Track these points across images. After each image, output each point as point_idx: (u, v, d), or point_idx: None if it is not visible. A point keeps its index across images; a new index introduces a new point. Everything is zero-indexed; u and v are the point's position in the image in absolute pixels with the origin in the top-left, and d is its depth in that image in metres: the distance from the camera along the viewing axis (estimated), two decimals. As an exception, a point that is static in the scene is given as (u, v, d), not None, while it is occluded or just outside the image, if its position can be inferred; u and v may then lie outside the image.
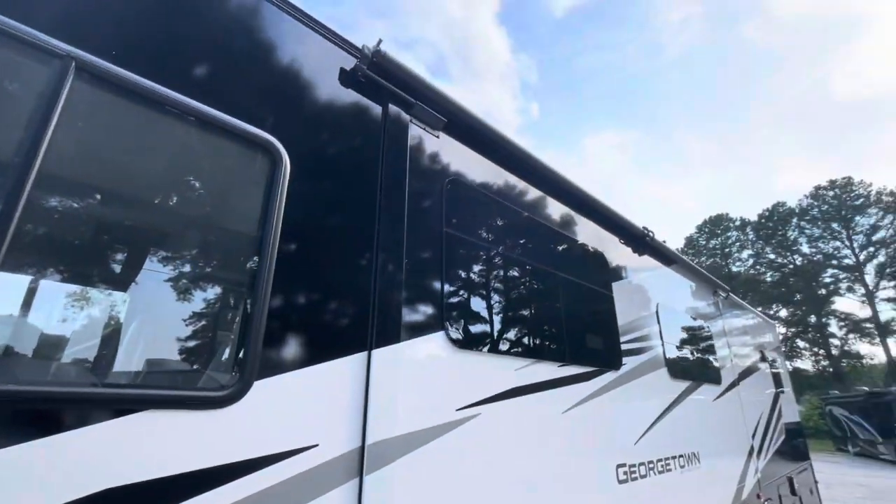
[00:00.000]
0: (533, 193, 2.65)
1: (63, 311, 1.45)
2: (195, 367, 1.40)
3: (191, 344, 1.42)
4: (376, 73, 1.84)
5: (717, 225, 49.67)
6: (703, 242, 50.35)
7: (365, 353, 1.52)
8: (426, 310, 1.79)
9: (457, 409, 1.75)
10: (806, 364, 42.02)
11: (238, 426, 1.19)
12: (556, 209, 2.82)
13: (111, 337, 1.65)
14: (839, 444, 23.50)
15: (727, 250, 48.74)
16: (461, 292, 2.01)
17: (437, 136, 2.10)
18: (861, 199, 41.15)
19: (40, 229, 1.19)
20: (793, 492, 5.86)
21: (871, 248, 40.10)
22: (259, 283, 1.32)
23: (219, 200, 1.50)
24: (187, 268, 1.48)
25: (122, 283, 1.56)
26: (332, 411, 1.40)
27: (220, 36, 1.48)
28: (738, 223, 48.59)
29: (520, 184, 2.55)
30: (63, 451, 0.94)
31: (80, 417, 0.98)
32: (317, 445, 1.33)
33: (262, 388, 1.25)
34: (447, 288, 1.90)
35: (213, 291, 1.52)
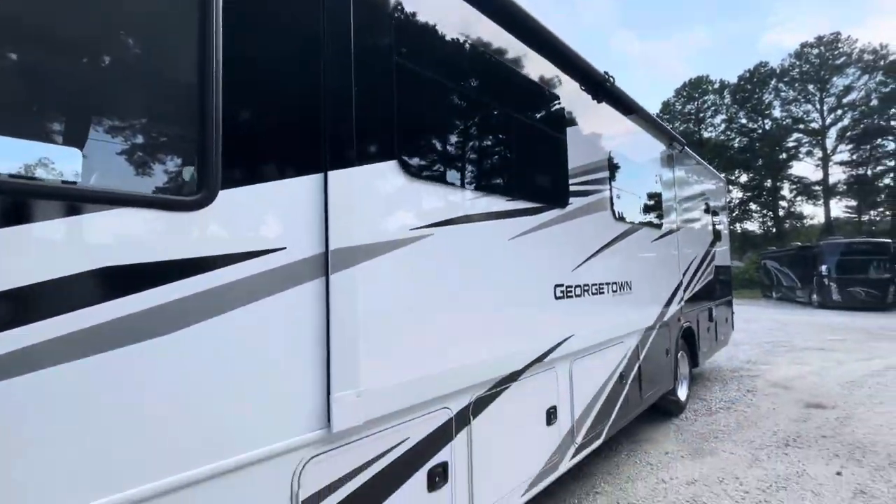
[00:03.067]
0: (493, 30, 2.57)
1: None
2: (163, 176, 1.52)
3: (156, 156, 1.52)
4: None
5: (695, 88, 48.35)
6: (679, 107, 49.55)
7: (321, 174, 1.67)
8: (379, 138, 1.90)
9: (411, 229, 2.00)
10: (754, 226, 45.62)
11: (211, 226, 1.38)
12: (514, 48, 2.77)
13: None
14: (766, 291, 26.99)
15: (701, 115, 48.40)
16: (414, 123, 2.11)
17: (384, -46, 1.95)
18: (843, 58, 40.18)
19: None
20: (710, 318, 6.98)
21: (839, 111, 40.60)
22: (207, 104, 1.38)
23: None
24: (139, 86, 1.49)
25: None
26: (295, 223, 1.60)
27: None
28: (717, 86, 47.40)
29: (480, 19, 2.46)
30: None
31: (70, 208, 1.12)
32: (285, 248, 1.55)
33: (228, 197, 1.41)
34: (400, 118, 1.98)
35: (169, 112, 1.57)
